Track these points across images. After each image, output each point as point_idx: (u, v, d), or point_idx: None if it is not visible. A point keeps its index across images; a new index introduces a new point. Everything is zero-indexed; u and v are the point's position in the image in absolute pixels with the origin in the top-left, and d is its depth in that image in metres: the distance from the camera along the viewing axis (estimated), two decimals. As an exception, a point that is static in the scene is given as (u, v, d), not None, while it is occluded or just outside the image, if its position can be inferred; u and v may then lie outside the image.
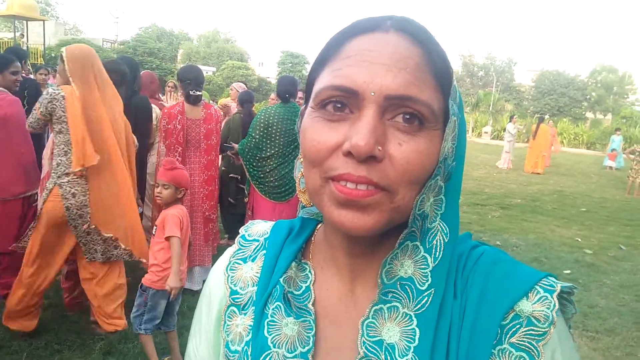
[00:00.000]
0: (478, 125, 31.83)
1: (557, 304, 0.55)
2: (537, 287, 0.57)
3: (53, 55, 21.81)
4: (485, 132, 30.15)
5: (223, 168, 5.11)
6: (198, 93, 3.93)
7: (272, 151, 3.97)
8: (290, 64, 41.29)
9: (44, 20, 20.13)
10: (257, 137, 3.95)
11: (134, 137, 3.41)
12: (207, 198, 4.06)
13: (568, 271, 5.43)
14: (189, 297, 4.03)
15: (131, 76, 4.13)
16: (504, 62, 47.97)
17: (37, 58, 18.84)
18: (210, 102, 5.04)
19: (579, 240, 6.94)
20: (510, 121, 15.86)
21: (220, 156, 4.59)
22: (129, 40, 33.28)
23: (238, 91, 6.37)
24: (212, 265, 3.60)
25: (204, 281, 4.15)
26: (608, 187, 12.83)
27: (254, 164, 4.03)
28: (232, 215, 5.37)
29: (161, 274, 2.80)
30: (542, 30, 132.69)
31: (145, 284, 2.82)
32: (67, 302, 3.57)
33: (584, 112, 43.25)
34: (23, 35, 19.39)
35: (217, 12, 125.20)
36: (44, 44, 20.36)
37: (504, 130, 16.18)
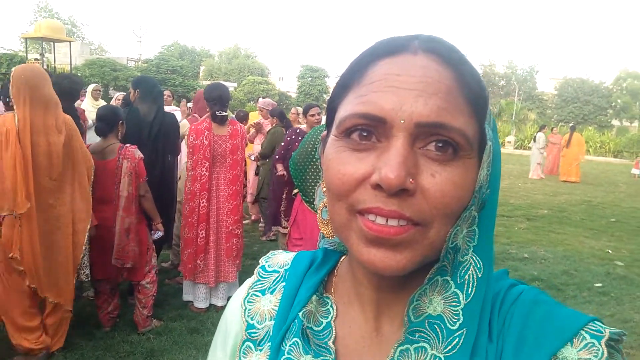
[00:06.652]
0: (501, 135, 31.52)
1: (605, 352, 0.49)
2: (583, 333, 0.51)
3: (79, 74, 22.42)
4: (509, 142, 29.87)
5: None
6: (224, 114, 4.01)
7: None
8: (310, 78, 41.51)
9: (70, 42, 20.66)
10: (303, 154, 3.84)
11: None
12: (232, 212, 4.08)
13: (599, 284, 5.27)
14: (213, 314, 4.03)
15: (155, 93, 4.21)
16: (525, 71, 47.51)
17: (64, 78, 19.37)
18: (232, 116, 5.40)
19: (610, 251, 6.75)
20: (540, 131, 15.40)
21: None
22: (152, 59, 33.96)
23: (267, 109, 6.96)
24: (238, 281, 3.54)
25: (229, 297, 4.13)
26: (637, 196, 12.46)
27: (302, 176, 3.95)
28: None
29: None
30: (563, 38, 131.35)
31: None
32: (101, 317, 3.69)
33: (609, 120, 42.39)
34: (41, 55, 20.27)
35: (237, 28, 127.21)
36: (71, 64, 20.88)
37: (533, 139, 15.45)
